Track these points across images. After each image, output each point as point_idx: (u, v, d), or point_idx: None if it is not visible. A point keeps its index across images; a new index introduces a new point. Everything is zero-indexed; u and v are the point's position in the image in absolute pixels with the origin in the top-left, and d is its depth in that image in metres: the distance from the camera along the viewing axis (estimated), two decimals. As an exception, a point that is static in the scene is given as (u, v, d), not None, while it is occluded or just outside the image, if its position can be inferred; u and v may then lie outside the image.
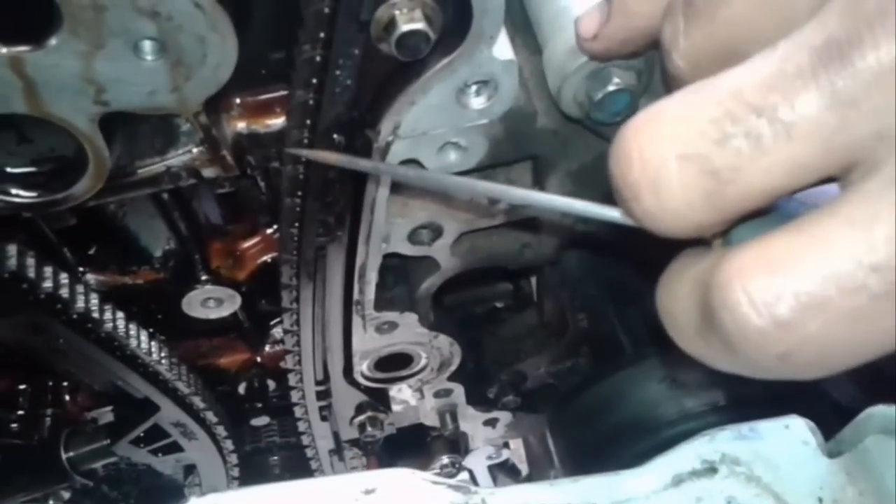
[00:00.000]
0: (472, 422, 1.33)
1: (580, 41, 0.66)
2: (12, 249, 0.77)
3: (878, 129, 0.35)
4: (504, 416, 1.35)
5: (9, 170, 0.72)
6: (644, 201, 0.39)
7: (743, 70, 0.38)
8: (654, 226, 0.40)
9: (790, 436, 0.69)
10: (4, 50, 0.61)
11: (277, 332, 1.09)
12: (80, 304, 0.83)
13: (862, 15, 0.35)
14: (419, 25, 0.65)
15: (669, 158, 0.38)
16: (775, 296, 0.36)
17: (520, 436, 1.51)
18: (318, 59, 0.64)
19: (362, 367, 1.11)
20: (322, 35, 0.63)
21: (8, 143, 0.71)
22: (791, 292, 0.36)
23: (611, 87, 0.71)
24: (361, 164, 0.71)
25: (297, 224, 0.78)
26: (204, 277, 0.91)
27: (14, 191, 0.73)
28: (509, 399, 1.26)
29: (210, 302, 0.93)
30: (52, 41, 0.61)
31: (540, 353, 1.23)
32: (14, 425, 1.06)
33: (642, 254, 1.05)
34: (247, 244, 0.92)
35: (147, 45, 0.62)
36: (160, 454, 1.14)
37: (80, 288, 0.83)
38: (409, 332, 1.05)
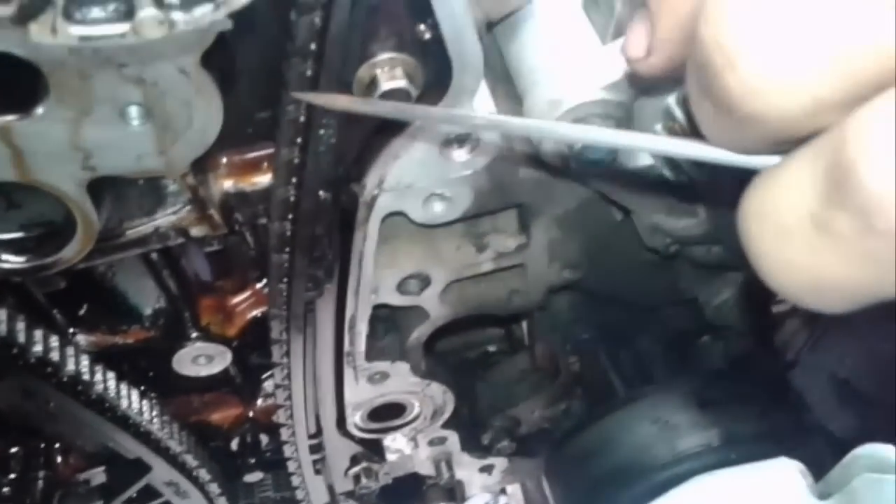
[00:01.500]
0: (467, 469, 1.33)
1: (633, 66, 0.51)
2: (2, 314, 0.77)
3: None
4: (500, 462, 1.35)
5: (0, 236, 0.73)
6: (745, 62, 0.32)
7: None
8: (757, 103, 0.32)
9: (781, 478, 0.69)
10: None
11: (269, 385, 1.09)
12: (71, 366, 0.83)
13: None
14: (401, 84, 0.66)
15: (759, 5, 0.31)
16: None
17: (517, 481, 1.49)
18: (301, 119, 0.66)
19: (355, 418, 1.10)
20: (301, 113, 0.64)
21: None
22: None
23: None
24: (379, 106, 0.64)
25: (285, 279, 0.79)
26: (194, 335, 0.91)
27: (3, 256, 0.73)
28: (504, 445, 1.26)
29: (201, 359, 0.93)
30: (39, 110, 0.62)
31: (533, 398, 1.23)
32: (6, 489, 1.05)
33: (632, 296, 1.06)
34: (236, 300, 0.93)
35: (133, 111, 0.63)
36: (153, 514, 1.13)
37: (70, 350, 0.83)
38: (401, 381, 1.05)
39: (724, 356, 1.20)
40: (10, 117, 0.62)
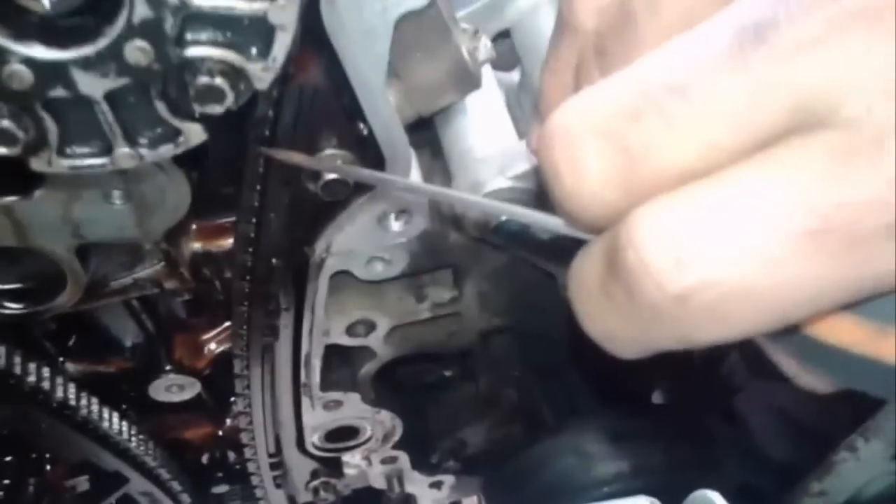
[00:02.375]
0: (418, 485, 1.45)
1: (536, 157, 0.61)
2: (1, 350, 0.90)
3: (792, 105, 0.35)
4: (448, 479, 1.48)
5: (0, 286, 0.86)
6: (564, 180, 0.39)
7: (661, 52, 0.38)
8: (574, 210, 0.40)
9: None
10: (-1, 200, 0.75)
11: (237, 407, 1.22)
12: (60, 393, 0.96)
13: None
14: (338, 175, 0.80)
15: (587, 135, 0.38)
16: (680, 231, 0.36)
17: (465, 496, 1.62)
18: (255, 203, 0.79)
19: (313, 438, 1.23)
20: (258, 187, 0.77)
21: (1, 266, 0.84)
22: (696, 228, 0.36)
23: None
24: (326, 165, 0.77)
25: (244, 327, 0.92)
26: (167, 367, 1.05)
27: (5, 303, 0.86)
28: (450, 464, 1.39)
29: (173, 388, 1.06)
30: (37, 193, 0.75)
31: (478, 423, 1.36)
32: (1, 493, 1.17)
33: (559, 337, 1.19)
34: (205, 337, 1.06)
35: (116, 194, 0.77)
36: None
37: (59, 380, 0.96)
38: (353, 408, 1.18)
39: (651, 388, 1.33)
40: (12, 198, 0.76)
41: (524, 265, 1.02)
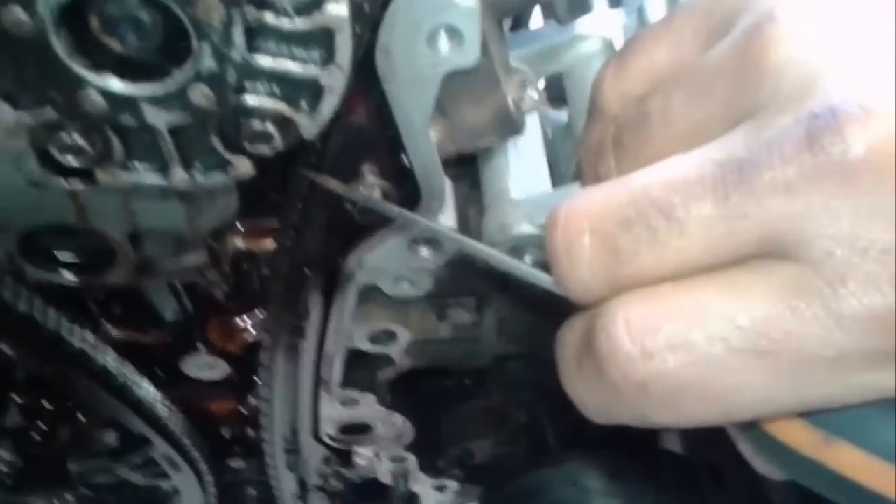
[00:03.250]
0: (423, 485, 1.51)
1: None
2: (54, 314, 0.98)
3: (762, 237, 0.39)
4: (453, 484, 1.53)
5: (61, 258, 0.93)
6: (560, 264, 0.45)
7: (658, 169, 0.43)
8: (565, 289, 0.46)
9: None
10: (67, 185, 0.82)
11: (259, 392, 1.29)
12: (101, 359, 1.04)
13: (764, 139, 0.39)
14: (376, 202, 0.85)
15: (584, 230, 0.43)
16: (648, 327, 0.41)
17: (470, 502, 1.68)
18: (296, 218, 0.85)
19: (328, 429, 1.30)
20: (300, 205, 0.83)
21: (61, 239, 0.92)
22: (662, 327, 0.41)
23: (525, 261, 0.91)
24: (358, 196, 0.83)
25: (273, 325, 0.99)
26: (200, 346, 1.12)
27: (63, 273, 0.94)
28: (456, 472, 1.45)
29: (204, 366, 1.14)
30: (99, 176, 0.82)
31: (486, 437, 1.41)
32: (37, 437, 1.27)
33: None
34: (239, 323, 1.13)
35: (172, 193, 0.83)
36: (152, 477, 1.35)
37: (101, 346, 1.04)
38: (368, 408, 1.24)
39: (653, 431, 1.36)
40: (79, 186, 0.83)
41: (545, 299, 1.07)
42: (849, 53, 0.40)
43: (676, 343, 0.41)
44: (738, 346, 0.40)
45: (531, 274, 0.55)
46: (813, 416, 0.44)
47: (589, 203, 0.44)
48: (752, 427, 0.46)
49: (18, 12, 0.50)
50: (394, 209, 0.79)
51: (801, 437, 0.45)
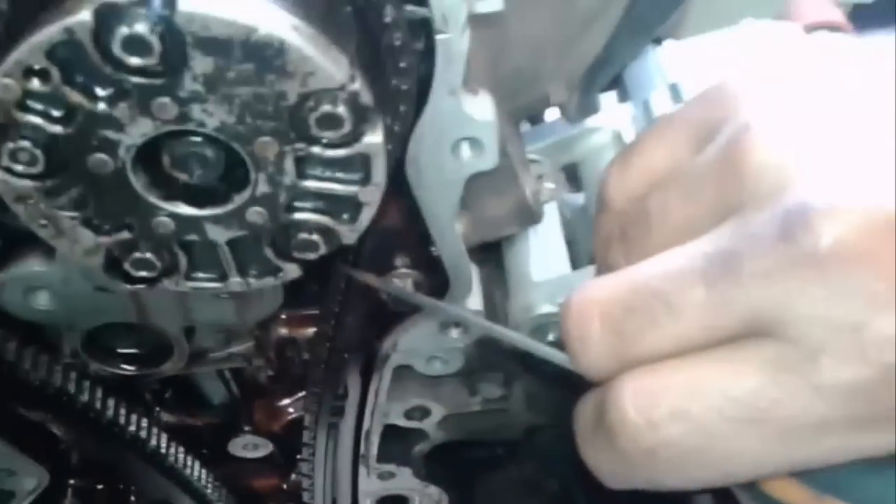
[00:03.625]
0: (459, 554, 1.55)
1: None
2: (112, 402, 1.06)
3: (749, 318, 0.44)
4: (487, 554, 1.57)
5: (119, 350, 1.02)
6: (574, 345, 0.51)
7: (657, 261, 0.49)
8: (578, 367, 0.52)
9: None
10: (129, 287, 0.91)
11: (301, 468, 1.35)
12: (154, 442, 1.11)
13: (746, 233, 0.45)
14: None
15: (594, 317, 0.49)
16: (652, 400, 0.46)
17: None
18: (336, 309, 0.93)
19: (367, 503, 1.36)
20: (339, 297, 0.91)
21: (121, 334, 1.00)
22: (664, 401, 0.46)
23: (549, 338, 0.97)
24: (392, 287, 0.91)
25: (315, 406, 1.05)
26: (246, 428, 1.19)
27: (122, 365, 1.02)
28: (491, 540, 1.48)
29: (249, 446, 1.21)
30: (165, 284, 0.90)
31: (520, 505, 1.46)
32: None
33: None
34: (282, 403, 1.20)
35: (224, 294, 0.91)
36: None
37: (154, 430, 1.12)
38: (405, 481, 1.30)
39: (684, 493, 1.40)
40: (140, 286, 0.91)
41: (566, 375, 1.12)
42: (817, 156, 0.45)
43: (677, 414, 0.45)
44: (731, 415, 0.45)
45: (549, 354, 0.61)
46: (805, 475, 0.50)
47: (597, 292, 0.50)
48: (752, 487, 0.52)
49: (102, 157, 0.59)
50: (424, 299, 0.86)
51: (795, 496, 0.51)
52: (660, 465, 0.47)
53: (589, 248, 1.08)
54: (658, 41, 1.14)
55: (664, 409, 0.46)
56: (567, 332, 0.51)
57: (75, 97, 0.56)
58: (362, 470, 1.25)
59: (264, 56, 0.54)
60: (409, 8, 0.65)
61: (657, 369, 0.47)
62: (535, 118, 1.34)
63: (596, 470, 0.52)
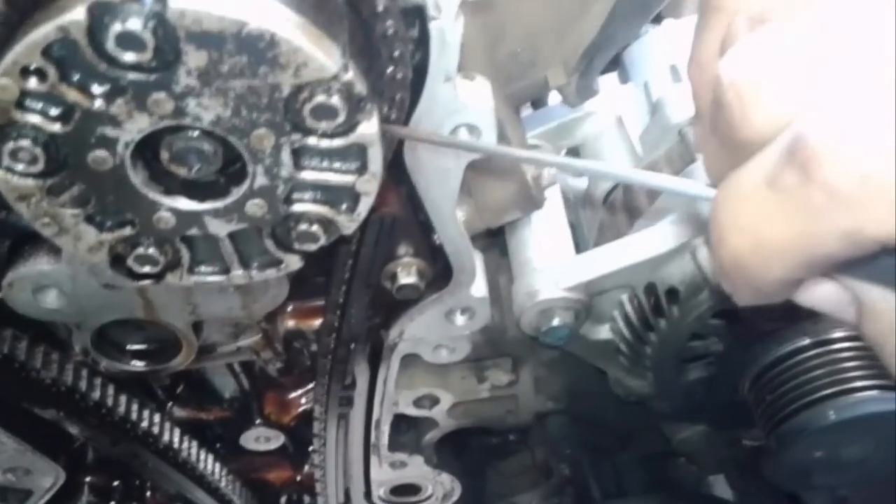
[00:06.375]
0: (474, 540, 1.56)
1: None
2: (123, 399, 1.07)
3: None
4: (501, 538, 1.58)
5: (129, 347, 1.02)
6: (743, 102, 0.42)
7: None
8: (750, 126, 0.42)
9: None
10: (135, 283, 0.92)
11: (314, 459, 1.36)
12: (166, 437, 1.12)
13: None
14: (412, 280, 0.93)
15: (766, 65, 0.42)
16: (869, 118, 0.38)
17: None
18: (340, 299, 0.93)
19: (380, 492, 1.36)
20: (344, 289, 0.92)
21: (130, 331, 1.01)
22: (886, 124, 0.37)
23: (554, 323, 0.97)
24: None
25: (324, 396, 1.06)
26: (258, 420, 1.20)
27: (132, 361, 1.03)
28: (504, 525, 1.49)
29: (261, 439, 1.22)
30: (169, 278, 0.91)
31: (531, 491, 1.46)
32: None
33: (609, 422, 1.28)
34: (293, 395, 1.21)
35: (230, 288, 0.92)
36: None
37: (167, 426, 1.13)
38: (416, 469, 1.31)
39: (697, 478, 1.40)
40: (147, 282, 0.92)
41: (576, 358, 1.13)
42: None
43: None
44: None
45: (682, 184, 0.53)
46: None
47: (759, 47, 0.43)
48: None
49: (102, 153, 0.60)
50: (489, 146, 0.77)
51: None
52: (872, 198, 0.37)
53: (594, 231, 1.08)
54: (658, 20, 1.14)
55: (884, 126, 0.37)
56: (728, 93, 0.43)
57: (72, 95, 0.56)
58: (374, 459, 1.26)
59: (256, 49, 0.54)
60: (403, -4, 0.65)
61: (866, 93, 0.39)
62: (538, 102, 1.34)
63: (757, 251, 0.42)
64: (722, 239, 0.44)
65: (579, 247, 1.05)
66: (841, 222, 0.39)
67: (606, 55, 0.89)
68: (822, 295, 0.47)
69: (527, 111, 1.24)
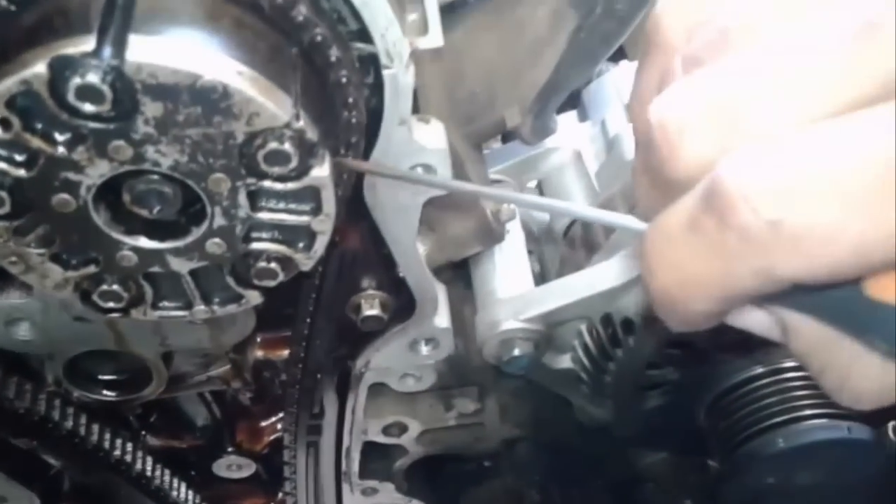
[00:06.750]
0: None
1: None
2: (96, 428, 1.09)
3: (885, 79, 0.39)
4: (473, 564, 1.59)
5: (101, 377, 1.05)
6: (666, 144, 0.44)
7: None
8: (673, 168, 0.44)
9: None
10: (105, 315, 0.94)
11: (285, 487, 1.38)
12: (139, 465, 1.14)
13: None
14: (376, 312, 0.96)
15: (692, 105, 0.44)
16: (779, 166, 0.40)
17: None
18: (306, 331, 0.96)
19: (352, 518, 1.38)
20: (308, 321, 0.94)
21: (101, 361, 1.03)
22: (794, 167, 0.39)
23: (515, 353, 1.00)
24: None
25: (293, 425, 1.09)
26: (230, 448, 1.22)
27: (103, 391, 1.05)
28: (476, 552, 1.51)
29: (233, 466, 1.24)
30: (133, 314, 0.94)
31: (503, 517, 1.48)
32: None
33: (575, 448, 1.31)
34: (264, 423, 1.23)
35: (198, 319, 0.95)
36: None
37: (140, 454, 1.15)
38: (387, 496, 1.33)
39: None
40: (116, 315, 0.94)
41: (541, 386, 1.16)
42: None
43: (811, 181, 0.39)
44: (869, 182, 0.38)
45: (610, 217, 0.56)
46: None
47: (689, 87, 0.44)
48: (853, 300, 0.43)
49: (65, 197, 0.63)
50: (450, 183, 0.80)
51: None
52: (782, 243, 0.40)
53: (556, 264, 1.11)
54: (617, 59, 1.18)
55: (794, 175, 0.39)
56: (656, 133, 0.44)
57: (36, 142, 0.59)
58: (345, 487, 1.28)
59: (210, 100, 0.57)
60: (357, 45, 0.69)
61: (778, 137, 0.40)
62: (507, 137, 1.38)
63: (684, 285, 0.45)
64: (651, 274, 0.47)
65: (545, 279, 1.08)
66: (754, 264, 0.41)
67: (559, 97, 0.93)
68: (750, 319, 0.49)
69: (497, 145, 1.28)
